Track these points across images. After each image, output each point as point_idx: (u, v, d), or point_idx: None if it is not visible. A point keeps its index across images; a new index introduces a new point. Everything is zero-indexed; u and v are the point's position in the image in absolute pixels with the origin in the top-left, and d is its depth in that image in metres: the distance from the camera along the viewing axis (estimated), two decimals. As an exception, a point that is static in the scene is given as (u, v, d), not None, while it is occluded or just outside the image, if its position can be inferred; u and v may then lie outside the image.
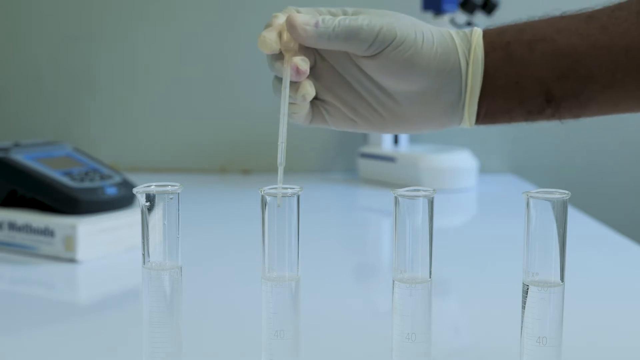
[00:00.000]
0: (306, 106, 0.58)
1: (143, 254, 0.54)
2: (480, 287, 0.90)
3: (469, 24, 1.52)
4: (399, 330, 0.54)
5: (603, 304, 0.82)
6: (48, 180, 1.00)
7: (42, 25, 1.79)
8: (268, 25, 0.56)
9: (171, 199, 0.54)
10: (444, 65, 0.57)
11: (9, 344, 0.69)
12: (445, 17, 1.50)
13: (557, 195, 0.52)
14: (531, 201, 0.53)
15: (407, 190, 0.53)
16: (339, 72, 0.59)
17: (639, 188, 1.75)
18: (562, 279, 0.53)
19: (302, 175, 1.69)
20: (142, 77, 1.79)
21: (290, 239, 0.54)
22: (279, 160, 0.55)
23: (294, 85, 0.56)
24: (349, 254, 1.14)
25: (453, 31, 0.59)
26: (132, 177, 1.12)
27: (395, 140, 1.62)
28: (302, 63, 0.55)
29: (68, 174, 1.02)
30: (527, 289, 0.53)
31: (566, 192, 0.52)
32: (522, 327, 0.54)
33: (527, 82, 0.58)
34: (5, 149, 1.03)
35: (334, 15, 0.57)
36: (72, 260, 0.95)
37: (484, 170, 1.68)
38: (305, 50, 0.57)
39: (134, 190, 0.54)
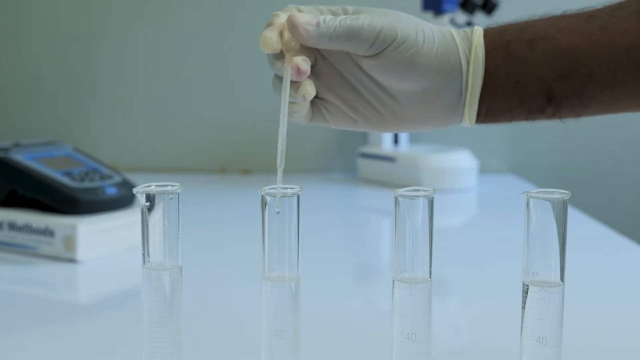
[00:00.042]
0: (306, 105, 0.58)
1: (143, 254, 0.54)
2: (480, 287, 0.90)
3: (469, 24, 1.52)
4: (399, 330, 0.54)
5: (603, 304, 0.82)
6: (48, 180, 1.00)
7: (42, 25, 1.79)
8: (269, 25, 0.56)
9: (171, 199, 0.54)
10: (444, 65, 0.57)
11: (9, 344, 0.69)
12: (445, 17, 1.50)
13: (557, 195, 0.52)
14: (531, 201, 0.53)
15: (407, 190, 0.53)
16: (340, 70, 0.59)
17: (639, 188, 1.75)
18: (562, 279, 0.53)
19: (302, 175, 1.69)
20: (142, 77, 1.79)
21: (290, 239, 0.54)
22: (278, 163, 0.55)
23: (295, 84, 0.56)
24: (349, 254, 1.14)
25: (454, 30, 0.59)
26: (132, 177, 1.12)
27: (395, 140, 1.62)
28: (303, 63, 0.55)
29: (68, 174, 1.02)
30: (527, 289, 0.53)
31: (566, 192, 0.52)
32: (522, 327, 0.54)
33: (527, 81, 0.58)
34: (5, 149, 1.03)
35: (334, 14, 0.57)
36: (72, 260, 0.95)
37: (484, 170, 1.68)
38: (306, 49, 0.57)
39: (134, 190, 0.54)
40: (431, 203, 0.53)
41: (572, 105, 0.58)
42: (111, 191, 1.03)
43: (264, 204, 0.53)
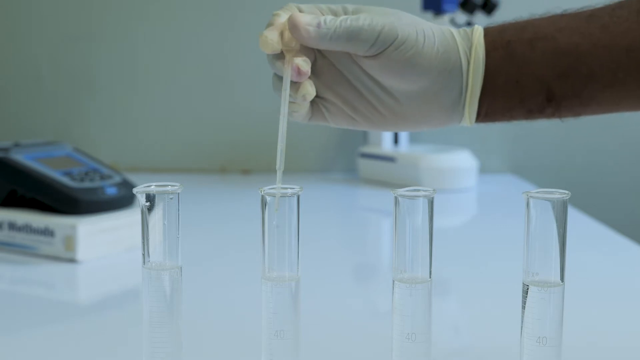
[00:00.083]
0: (306, 105, 0.58)
1: (143, 254, 0.54)
2: (480, 287, 0.90)
3: (469, 24, 1.52)
4: (399, 330, 0.54)
5: (603, 304, 0.82)
6: (48, 180, 1.00)
7: (42, 25, 1.79)
8: (269, 25, 0.56)
9: (171, 199, 0.54)
10: (445, 64, 0.57)
11: (9, 344, 0.69)
12: (445, 17, 1.50)
13: (557, 195, 0.52)
14: (531, 201, 0.53)
15: (407, 190, 0.53)
16: (340, 70, 0.59)
17: (639, 188, 1.75)
18: (562, 279, 0.53)
19: (302, 175, 1.69)
20: (142, 77, 1.79)
21: (290, 239, 0.54)
22: (277, 165, 0.54)
23: (295, 85, 0.56)
24: (349, 254, 1.14)
25: (454, 29, 0.59)
26: (132, 177, 1.12)
27: (395, 140, 1.62)
28: (304, 64, 0.55)
29: (68, 174, 1.02)
30: (527, 289, 0.53)
31: (566, 192, 0.52)
32: (522, 327, 0.54)
33: (527, 80, 0.58)
34: (5, 149, 1.03)
35: (335, 13, 0.57)
36: (72, 260, 0.95)
37: (484, 170, 1.68)
38: (306, 48, 0.56)
39: (134, 190, 0.54)
40: (431, 203, 0.53)
41: (572, 105, 0.58)
42: (111, 191, 1.03)
43: (264, 204, 0.53)
